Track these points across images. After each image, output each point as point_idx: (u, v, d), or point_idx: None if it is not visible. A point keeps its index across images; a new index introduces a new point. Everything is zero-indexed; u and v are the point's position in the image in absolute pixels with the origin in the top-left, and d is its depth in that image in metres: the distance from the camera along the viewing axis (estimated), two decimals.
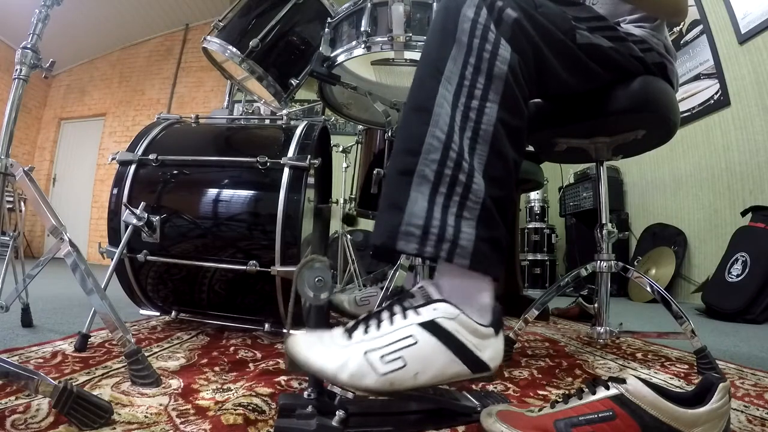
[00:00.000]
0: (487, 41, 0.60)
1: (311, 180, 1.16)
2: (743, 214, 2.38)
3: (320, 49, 1.05)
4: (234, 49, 1.18)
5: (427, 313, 0.53)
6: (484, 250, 0.55)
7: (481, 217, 0.56)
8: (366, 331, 0.53)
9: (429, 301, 0.55)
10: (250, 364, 0.87)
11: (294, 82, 1.27)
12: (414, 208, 0.55)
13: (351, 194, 2.34)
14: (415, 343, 0.51)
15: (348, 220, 2.21)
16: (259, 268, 1.04)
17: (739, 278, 2.17)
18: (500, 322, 0.57)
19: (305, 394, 0.56)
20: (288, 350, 0.51)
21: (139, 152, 1.15)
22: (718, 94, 2.81)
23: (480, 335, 0.54)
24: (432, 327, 0.52)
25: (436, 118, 0.57)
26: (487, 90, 0.59)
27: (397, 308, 0.55)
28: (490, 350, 0.54)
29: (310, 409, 0.54)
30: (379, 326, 0.53)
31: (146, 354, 0.82)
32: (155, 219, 1.07)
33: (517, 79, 0.61)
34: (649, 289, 1.01)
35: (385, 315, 0.54)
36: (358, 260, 2.38)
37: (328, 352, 0.50)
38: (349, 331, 0.53)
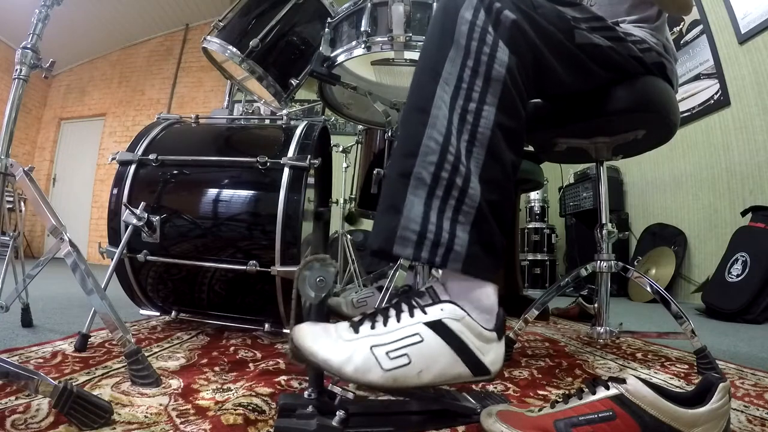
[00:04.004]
0: (485, 44, 0.60)
1: (311, 180, 1.16)
2: (743, 214, 2.38)
3: (320, 49, 1.05)
4: (234, 49, 1.18)
5: (434, 312, 0.53)
6: (477, 255, 0.55)
7: (475, 221, 0.56)
8: (373, 327, 0.53)
9: (436, 301, 0.55)
10: (250, 364, 0.87)
11: (294, 82, 1.26)
12: (411, 212, 0.55)
13: (351, 194, 2.34)
14: (421, 341, 0.51)
15: (349, 218, 2.21)
16: (259, 268, 1.04)
17: (739, 278, 2.17)
18: (503, 328, 0.57)
19: (305, 394, 0.56)
20: (293, 340, 0.51)
21: (139, 152, 1.15)
22: (718, 94, 2.80)
23: (483, 339, 0.54)
24: (438, 327, 0.52)
25: (433, 120, 0.57)
26: (484, 93, 0.59)
27: (404, 306, 0.55)
28: (492, 354, 0.55)
29: (310, 409, 0.54)
30: (386, 322, 0.53)
31: (146, 354, 0.82)
32: (155, 219, 1.07)
33: (515, 81, 0.61)
34: (649, 289, 1.01)
35: (392, 312, 0.55)
36: (358, 260, 2.38)
37: (333, 345, 0.51)
38: (356, 326, 0.53)
